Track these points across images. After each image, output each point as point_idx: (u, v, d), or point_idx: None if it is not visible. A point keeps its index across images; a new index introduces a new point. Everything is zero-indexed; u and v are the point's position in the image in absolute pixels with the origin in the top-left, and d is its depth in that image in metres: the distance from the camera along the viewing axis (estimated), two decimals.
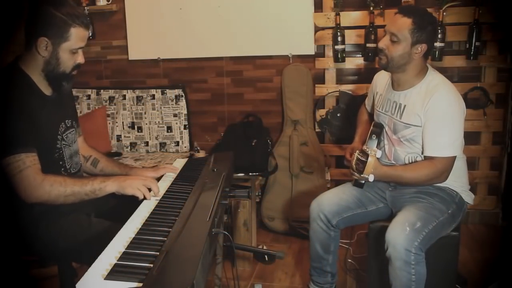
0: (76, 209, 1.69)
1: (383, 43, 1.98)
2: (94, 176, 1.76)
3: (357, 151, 1.87)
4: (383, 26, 2.07)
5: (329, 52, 3.16)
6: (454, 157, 1.95)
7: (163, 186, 1.77)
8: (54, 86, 1.69)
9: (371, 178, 1.82)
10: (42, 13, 1.58)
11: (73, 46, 1.62)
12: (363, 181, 1.94)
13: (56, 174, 1.64)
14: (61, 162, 1.72)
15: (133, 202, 1.60)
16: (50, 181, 1.57)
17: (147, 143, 3.48)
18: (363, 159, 1.80)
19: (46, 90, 1.69)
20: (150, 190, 1.66)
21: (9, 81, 1.61)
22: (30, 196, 1.55)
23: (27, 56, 1.64)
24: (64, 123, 1.75)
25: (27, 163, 1.54)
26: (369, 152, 1.79)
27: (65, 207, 1.64)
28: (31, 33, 1.60)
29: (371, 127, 2.15)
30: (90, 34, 3.43)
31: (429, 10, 2.86)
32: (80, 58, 1.67)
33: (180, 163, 2.09)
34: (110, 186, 1.64)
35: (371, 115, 2.35)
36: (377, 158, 1.85)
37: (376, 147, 2.07)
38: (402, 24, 1.93)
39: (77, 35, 1.61)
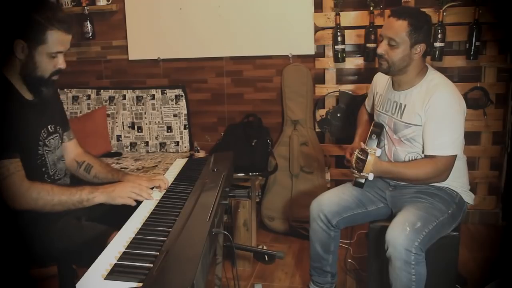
0: (68, 213, 1.66)
1: (382, 48, 1.97)
2: (83, 185, 1.70)
3: (357, 150, 1.87)
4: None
5: (329, 52, 3.16)
6: (455, 156, 1.95)
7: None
8: (33, 91, 1.63)
9: (370, 176, 1.81)
10: (18, 14, 1.53)
11: (51, 50, 1.56)
12: (363, 181, 1.94)
13: (43, 182, 1.62)
14: (43, 169, 1.68)
15: (127, 207, 1.59)
16: (37, 189, 1.55)
17: (147, 143, 3.48)
18: (363, 158, 1.80)
19: (27, 94, 1.64)
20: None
21: None
22: (15, 203, 1.53)
23: (6, 59, 1.59)
24: (46, 128, 1.70)
25: (11, 170, 1.51)
26: (368, 150, 1.79)
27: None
28: (8, 35, 1.54)
29: (371, 127, 2.15)
30: (91, 35, 3.43)
31: (429, 10, 2.89)
32: (61, 63, 1.61)
33: (180, 163, 2.09)
34: (98, 197, 1.62)
35: (371, 116, 2.36)
36: (377, 157, 1.85)
37: (376, 146, 2.07)
38: (399, 28, 1.92)
39: (55, 39, 1.55)
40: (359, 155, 1.83)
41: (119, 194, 1.63)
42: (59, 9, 1.61)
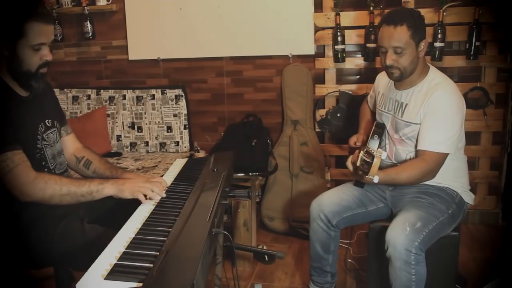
0: (69, 214, 1.67)
1: (390, 58, 1.95)
2: (92, 178, 1.72)
3: (362, 152, 1.83)
4: None
5: (329, 52, 3.16)
6: (446, 155, 1.94)
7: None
8: (24, 86, 1.63)
9: (376, 179, 1.78)
10: None
11: (32, 42, 1.54)
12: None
13: (50, 173, 1.62)
14: (43, 163, 1.68)
15: (127, 208, 1.58)
16: (44, 178, 1.55)
17: (147, 143, 3.48)
18: (368, 160, 1.76)
19: (21, 91, 1.64)
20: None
21: None
22: (24, 194, 1.52)
23: None
24: (44, 123, 1.71)
25: (16, 161, 1.51)
26: (374, 153, 1.76)
27: (58, 212, 1.62)
28: None
29: (373, 127, 2.15)
30: (90, 35, 3.43)
31: (429, 10, 2.90)
32: (46, 55, 1.59)
33: (180, 163, 2.09)
34: (108, 189, 1.61)
35: (373, 112, 2.36)
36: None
37: (378, 146, 2.07)
38: (401, 34, 1.91)
39: (35, 31, 1.53)
40: (364, 158, 1.79)
41: (129, 188, 1.61)
42: (36, 0, 1.58)
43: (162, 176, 1.90)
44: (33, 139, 1.64)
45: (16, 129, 1.56)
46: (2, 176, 1.50)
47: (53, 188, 1.54)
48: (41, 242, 1.59)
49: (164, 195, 1.64)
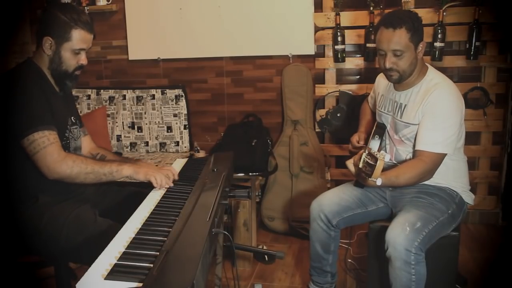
0: (81, 204, 1.75)
1: (390, 61, 1.95)
2: (112, 160, 1.88)
3: (364, 154, 1.82)
4: None
5: (329, 52, 3.16)
6: (444, 155, 1.94)
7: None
8: (59, 84, 1.82)
9: (379, 182, 1.76)
10: (48, 14, 1.74)
11: (75, 47, 1.76)
12: None
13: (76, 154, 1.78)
14: (66, 151, 1.78)
15: (135, 201, 1.61)
16: (73, 158, 1.69)
17: (147, 143, 3.48)
18: (372, 163, 1.74)
19: (55, 87, 1.82)
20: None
21: (28, 72, 1.74)
22: (53, 171, 1.64)
23: (37, 54, 1.79)
24: (71, 118, 1.89)
25: (51, 140, 1.65)
26: (377, 156, 1.74)
27: (70, 201, 1.73)
28: (39, 32, 1.75)
29: (374, 128, 2.15)
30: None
31: (429, 10, 2.90)
32: (83, 59, 1.81)
33: (180, 163, 2.09)
34: (126, 170, 1.74)
35: (373, 112, 2.36)
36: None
37: (379, 147, 2.07)
38: (400, 37, 1.91)
39: (78, 37, 1.75)
40: (367, 160, 1.78)
41: (144, 172, 1.75)
42: (83, 12, 1.82)
43: None
44: (63, 128, 1.81)
45: (54, 113, 1.73)
46: (35, 153, 1.63)
47: (79, 167, 1.67)
48: (49, 233, 1.65)
49: (172, 184, 1.76)
